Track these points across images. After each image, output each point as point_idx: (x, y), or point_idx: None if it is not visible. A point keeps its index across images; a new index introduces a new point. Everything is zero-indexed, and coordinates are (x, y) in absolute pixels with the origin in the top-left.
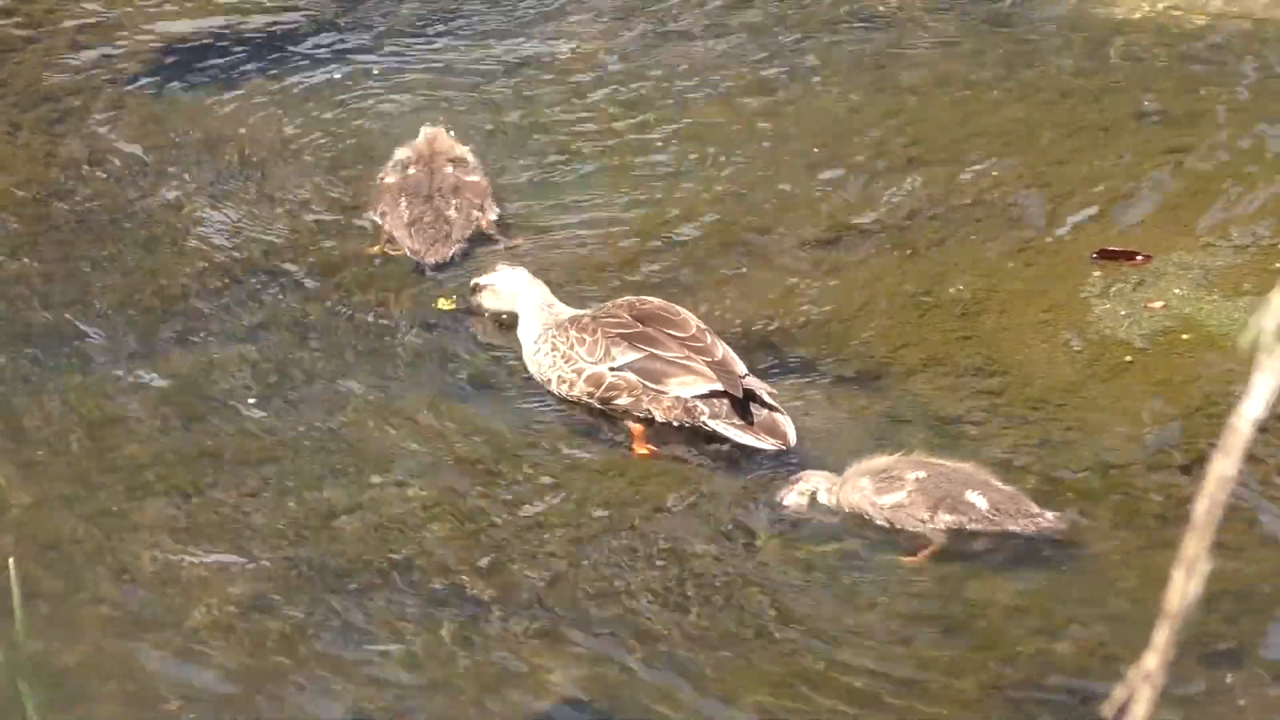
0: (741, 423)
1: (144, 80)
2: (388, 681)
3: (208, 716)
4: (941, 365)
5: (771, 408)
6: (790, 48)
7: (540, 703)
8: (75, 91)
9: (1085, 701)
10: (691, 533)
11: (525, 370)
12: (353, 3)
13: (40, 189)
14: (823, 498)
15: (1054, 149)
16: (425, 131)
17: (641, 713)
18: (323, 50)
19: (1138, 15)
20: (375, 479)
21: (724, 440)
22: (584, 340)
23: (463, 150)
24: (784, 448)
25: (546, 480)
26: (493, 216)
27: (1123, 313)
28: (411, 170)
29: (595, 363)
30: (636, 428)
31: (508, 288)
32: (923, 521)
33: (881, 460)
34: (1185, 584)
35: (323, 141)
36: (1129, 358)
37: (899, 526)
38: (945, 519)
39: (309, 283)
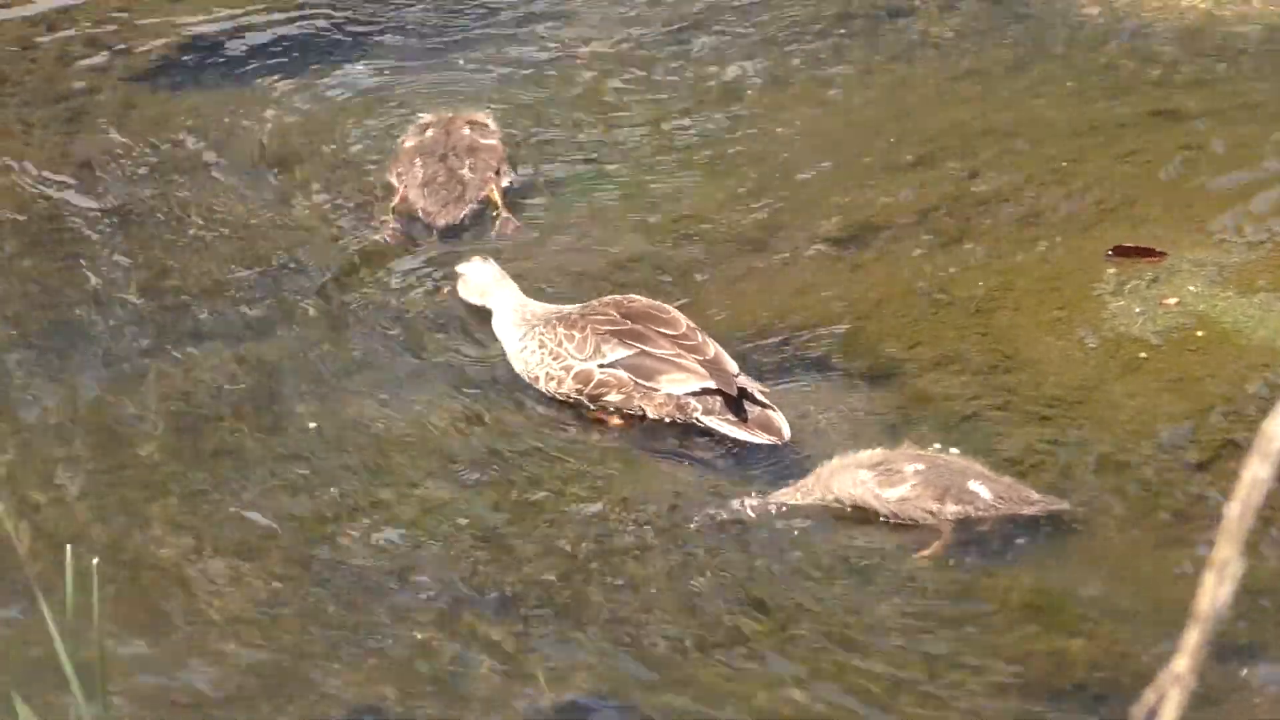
0: (736, 419)
1: (157, 79)
2: (398, 680)
3: (220, 715)
4: (955, 362)
5: (764, 405)
6: (802, 45)
7: (550, 701)
8: (88, 90)
9: (1100, 700)
10: (702, 530)
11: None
12: (367, 1)
13: (53, 187)
14: (793, 500)
15: (1068, 145)
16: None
17: (652, 712)
18: (338, 48)
19: (1153, 11)
20: (387, 478)
21: (717, 436)
22: (573, 337)
23: (483, 114)
24: (779, 443)
25: (556, 478)
26: (506, 183)
27: (1137, 309)
28: (429, 132)
29: (584, 360)
30: (616, 421)
31: (476, 280)
32: (932, 513)
33: (872, 453)
34: (1217, 587)
35: (337, 140)
36: (1143, 354)
37: (906, 519)
38: (953, 509)
39: (323, 282)
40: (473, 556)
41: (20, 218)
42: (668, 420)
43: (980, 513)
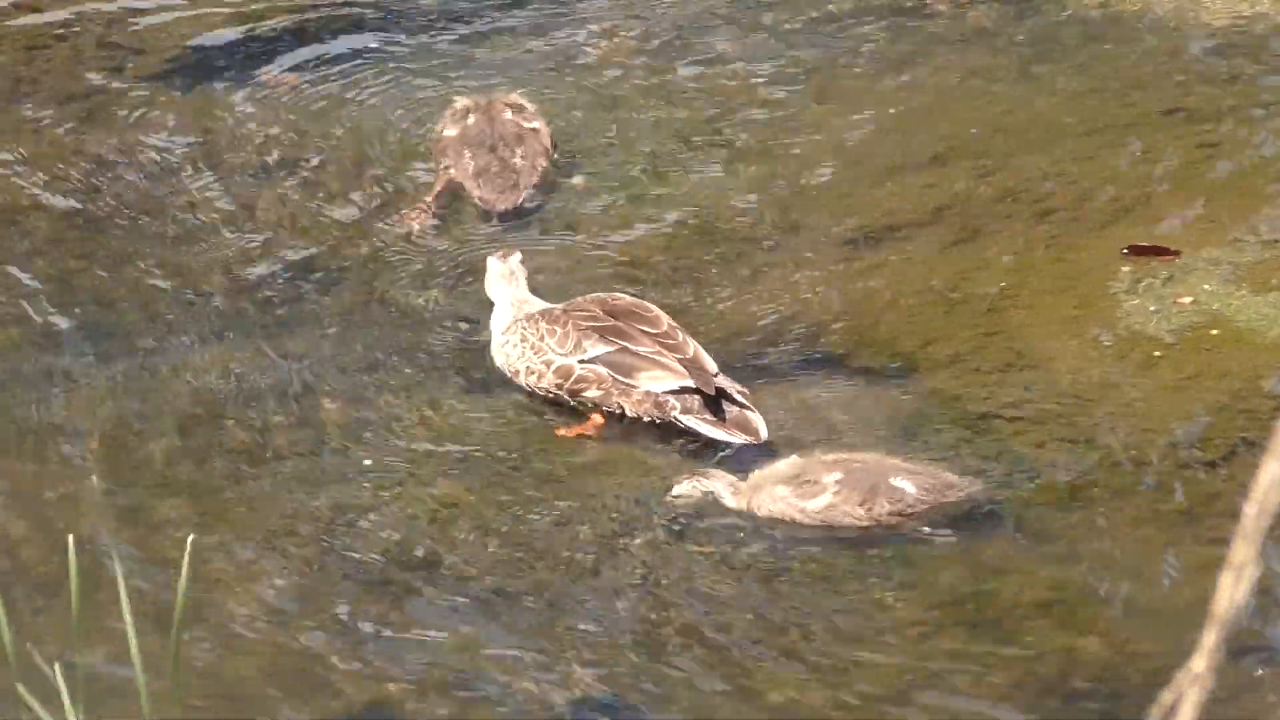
0: (713, 418)
1: (174, 77)
2: (410, 678)
3: (233, 712)
4: (969, 361)
5: (743, 405)
6: (816, 45)
7: (562, 700)
8: (104, 89)
9: (1113, 699)
10: (710, 530)
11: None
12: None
13: (69, 186)
14: (728, 500)
15: (1082, 144)
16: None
17: (662, 712)
18: (355, 46)
19: (1168, 8)
20: (400, 476)
21: (695, 436)
22: (554, 332)
23: (516, 95)
24: (756, 442)
25: (568, 477)
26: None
27: (1152, 308)
28: (471, 119)
29: (565, 355)
30: (599, 420)
31: (488, 273)
32: (859, 517)
33: (788, 463)
34: (1234, 588)
35: (354, 138)
36: (1158, 353)
37: (835, 526)
38: (885, 508)
39: (338, 280)
40: (490, 556)
41: (34, 217)
42: (646, 419)
43: (910, 509)
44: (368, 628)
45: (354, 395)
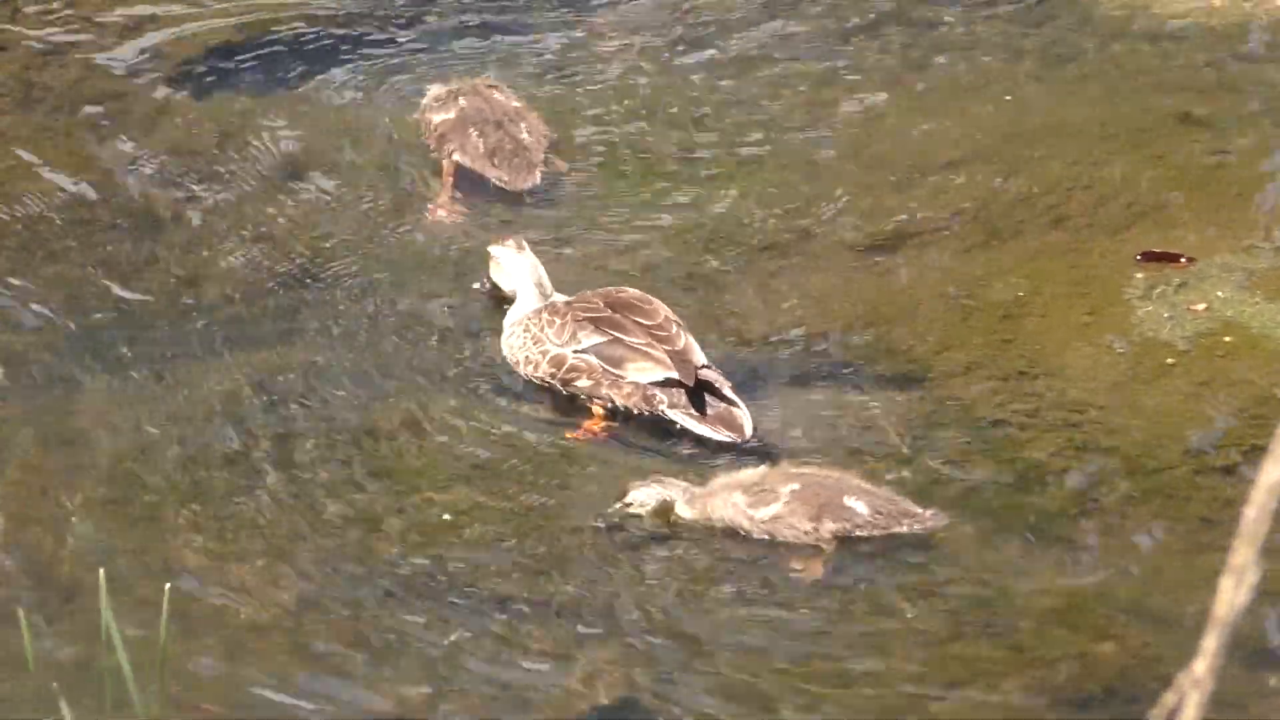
0: (696, 414)
1: (187, 82)
2: (424, 682)
3: (247, 718)
4: (983, 368)
5: (730, 401)
6: (831, 50)
7: (574, 704)
8: (117, 94)
9: (1129, 704)
10: (723, 536)
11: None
12: (394, 4)
13: (82, 192)
14: (682, 510)
15: (1097, 150)
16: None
17: (675, 718)
18: (366, 51)
19: (1181, 15)
20: (413, 482)
21: (682, 431)
22: (554, 323)
23: (485, 78)
24: (739, 440)
25: (582, 483)
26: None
27: (1165, 315)
28: (463, 100)
29: (560, 345)
30: (599, 414)
31: (507, 265)
32: (805, 532)
33: (750, 473)
34: (1234, 592)
35: (367, 143)
36: (1171, 360)
37: (779, 539)
38: (830, 526)
39: (352, 285)
40: (504, 562)
41: (48, 223)
42: (636, 412)
43: (859, 529)
44: (384, 633)
45: (365, 402)
